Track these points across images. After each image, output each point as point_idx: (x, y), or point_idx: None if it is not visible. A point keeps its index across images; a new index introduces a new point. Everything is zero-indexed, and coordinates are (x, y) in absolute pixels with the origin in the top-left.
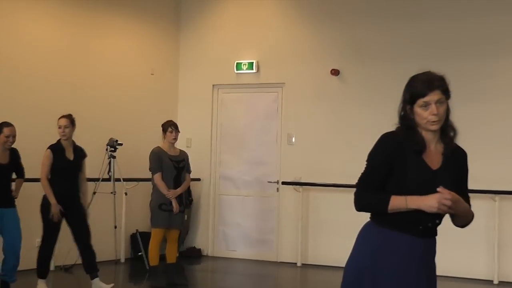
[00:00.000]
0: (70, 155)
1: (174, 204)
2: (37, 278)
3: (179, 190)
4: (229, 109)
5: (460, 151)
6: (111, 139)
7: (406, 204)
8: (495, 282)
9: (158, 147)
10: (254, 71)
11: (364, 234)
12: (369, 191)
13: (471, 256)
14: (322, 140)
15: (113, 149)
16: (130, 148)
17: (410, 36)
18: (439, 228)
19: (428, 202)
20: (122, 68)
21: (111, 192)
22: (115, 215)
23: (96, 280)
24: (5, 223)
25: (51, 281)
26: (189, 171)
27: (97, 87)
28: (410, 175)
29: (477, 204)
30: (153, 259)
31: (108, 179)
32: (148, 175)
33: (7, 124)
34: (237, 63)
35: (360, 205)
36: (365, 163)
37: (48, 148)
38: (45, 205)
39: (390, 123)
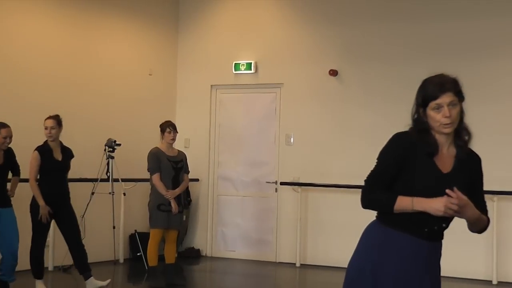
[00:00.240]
0: (58, 156)
1: (173, 204)
2: (34, 279)
3: (178, 191)
4: (228, 110)
5: (474, 155)
6: (109, 140)
7: (412, 205)
8: (494, 282)
9: (156, 147)
10: (252, 71)
11: (368, 233)
12: (377, 189)
13: (470, 256)
14: (320, 140)
15: (111, 149)
16: (129, 148)
17: (409, 38)
18: None
19: (434, 205)
20: (121, 68)
21: (110, 193)
22: (114, 215)
23: (91, 279)
24: (2, 223)
25: (50, 281)
26: (187, 172)
27: (95, 87)
28: (419, 177)
29: None
30: (152, 259)
31: (107, 180)
32: (147, 175)
33: (3, 125)
34: (235, 63)
35: (366, 202)
36: (376, 161)
37: (35, 149)
38: (34, 206)
39: (388, 123)
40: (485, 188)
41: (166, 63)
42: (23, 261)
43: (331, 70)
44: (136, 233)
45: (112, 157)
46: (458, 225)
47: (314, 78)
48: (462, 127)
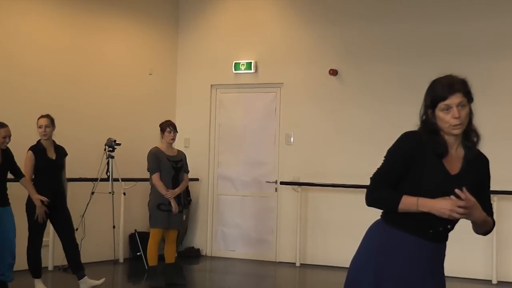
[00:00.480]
0: (52, 155)
1: (173, 204)
2: (32, 278)
3: (178, 190)
4: (228, 109)
5: (482, 157)
6: (109, 139)
7: (417, 205)
8: (494, 282)
9: (156, 147)
10: (252, 71)
11: (371, 232)
12: (382, 188)
13: (470, 256)
14: (320, 140)
15: (111, 149)
16: (129, 148)
17: (409, 38)
18: None
19: (439, 206)
20: (121, 68)
21: (110, 192)
22: (114, 215)
23: (85, 278)
24: (2, 222)
25: (50, 281)
26: (187, 171)
27: (95, 87)
28: (426, 178)
29: None
30: (151, 259)
31: (107, 179)
32: (147, 175)
33: (2, 125)
34: (235, 63)
35: (370, 200)
36: (383, 159)
37: (29, 149)
38: (29, 206)
39: (388, 123)
40: None
41: (166, 62)
42: (22, 261)
43: (331, 70)
44: (136, 233)
45: (112, 157)
46: (458, 225)
47: (314, 78)
48: (470, 129)
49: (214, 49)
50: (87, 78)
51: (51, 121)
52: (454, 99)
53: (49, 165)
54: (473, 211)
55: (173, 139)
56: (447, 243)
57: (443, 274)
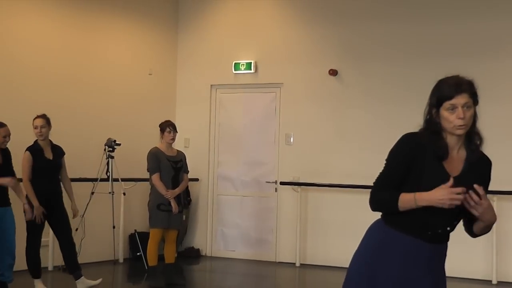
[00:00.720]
0: (49, 155)
1: (173, 204)
2: (32, 279)
3: (178, 190)
4: (227, 109)
5: (485, 159)
6: (109, 139)
7: (415, 201)
8: (494, 282)
9: (156, 147)
10: (252, 71)
11: (371, 232)
12: (384, 190)
13: (469, 256)
14: (320, 140)
15: (111, 149)
16: (128, 148)
17: (409, 38)
18: None
19: (437, 197)
20: (121, 68)
21: (109, 192)
22: (114, 215)
23: (82, 278)
24: (2, 222)
25: (49, 281)
26: (186, 171)
27: (95, 87)
28: (425, 180)
29: None
30: (151, 259)
31: (106, 179)
32: (146, 175)
33: (1, 125)
34: (235, 63)
35: (373, 203)
36: (384, 162)
37: (26, 150)
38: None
39: (388, 123)
40: None
41: (166, 63)
42: (22, 261)
43: (331, 70)
44: (136, 233)
45: (112, 157)
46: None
47: (314, 78)
48: (474, 131)
49: (214, 49)
50: (87, 78)
51: (47, 121)
52: (460, 99)
53: (46, 165)
54: (488, 211)
55: (173, 139)
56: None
57: (444, 274)
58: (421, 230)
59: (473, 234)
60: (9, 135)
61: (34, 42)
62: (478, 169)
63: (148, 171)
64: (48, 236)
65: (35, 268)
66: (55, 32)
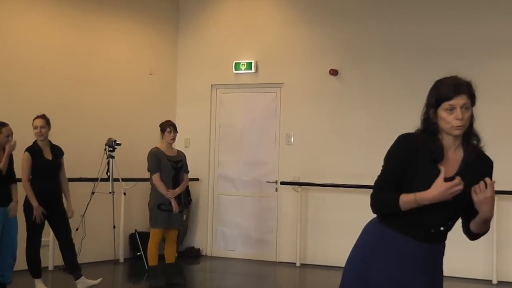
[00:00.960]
0: (48, 155)
1: (174, 204)
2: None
3: (178, 190)
4: (228, 109)
5: (485, 159)
6: (109, 139)
7: (415, 201)
8: (494, 282)
9: (156, 147)
10: (252, 71)
11: (365, 232)
12: (383, 192)
13: (470, 256)
14: (320, 140)
15: (111, 149)
16: (129, 148)
17: (409, 39)
18: None
19: (438, 194)
20: (121, 68)
21: (110, 192)
22: (114, 215)
23: (82, 278)
24: (8, 221)
25: (50, 281)
26: (187, 171)
27: (96, 87)
28: (418, 181)
29: None
30: (152, 259)
31: (107, 179)
32: (147, 175)
33: (3, 124)
34: (235, 63)
35: (374, 206)
36: (382, 164)
37: (26, 150)
38: (27, 207)
39: (388, 123)
40: None
41: (166, 62)
42: (22, 261)
43: (331, 69)
44: (136, 233)
45: (113, 157)
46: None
47: (314, 78)
48: (471, 132)
49: (214, 49)
50: (87, 78)
51: (47, 121)
52: (459, 100)
53: (46, 165)
54: (488, 202)
55: (173, 139)
56: (447, 243)
57: (441, 275)
58: (414, 230)
59: (471, 235)
60: (11, 134)
61: (34, 42)
62: (477, 168)
63: (148, 171)
64: (49, 236)
65: (35, 268)
66: (55, 32)
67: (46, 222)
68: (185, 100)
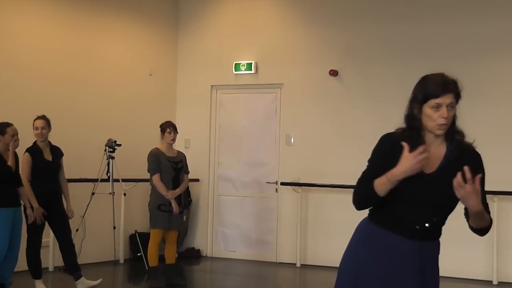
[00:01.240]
0: (48, 156)
1: (174, 205)
2: (33, 279)
3: (178, 191)
4: (228, 110)
5: (471, 152)
6: (109, 140)
7: (389, 181)
8: (495, 282)
9: (156, 148)
10: (252, 72)
11: (357, 231)
12: (368, 184)
13: (470, 257)
14: (320, 140)
15: (111, 149)
16: (129, 148)
17: (409, 39)
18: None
19: (407, 167)
20: (121, 69)
21: (110, 193)
22: (114, 215)
23: (82, 279)
24: (14, 222)
25: (50, 281)
26: (187, 172)
27: (96, 88)
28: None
29: None
30: (152, 259)
31: (107, 180)
32: (147, 175)
33: (8, 124)
34: (235, 64)
35: (355, 201)
36: (366, 163)
37: (26, 151)
38: (29, 208)
39: (388, 124)
40: (485, 188)
41: (166, 63)
42: (22, 262)
43: (331, 70)
44: (137, 234)
45: (113, 158)
46: (458, 225)
47: (314, 79)
48: (454, 129)
49: (214, 49)
50: (87, 79)
51: (47, 122)
52: (446, 99)
53: (46, 166)
54: (471, 196)
55: (173, 139)
56: (447, 243)
57: (437, 274)
58: (400, 227)
59: (474, 231)
60: (16, 134)
61: (34, 42)
62: (463, 163)
63: (148, 172)
64: (49, 236)
65: (35, 269)
66: (55, 33)
67: (46, 223)
68: (185, 101)
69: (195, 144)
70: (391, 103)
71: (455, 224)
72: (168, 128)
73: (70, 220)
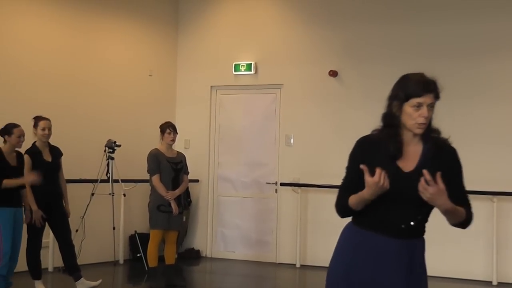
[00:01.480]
0: (47, 157)
1: (173, 205)
2: (33, 280)
3: (178, 192)
4: (227, 111)
5: (447, 148)
6: (109, 140)
7: (361, 200)
8: (494, 283)
9: (156, 148)
10: (252, 72)
11: (343, 235)
12: (345, 197)
13: (470, 257)
14: (320, 141)
15: (111, 150)
16: (129, 149)
17: (408, 39)
18: (438, 230)
19: (367, 190)
20: (121, 69)
21: (110, 194)
22: (114, 216)
23: (82, 280)
24: (15, 222)
25: (49, 282)
26: (187, 173)
27: (95, 88)
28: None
29: (475, 205)
30: (152, 260)
31: (107, 180)
32: (147, 176)
33: (15, 125)
34: (235, 64)
35: (338, 211)
36: (345, 169)
37: (25, 153)
38: (28, 209)
39: None
40: (485, 188)
41: (166, 63)
42: (22, 262)
43: (331, 71)
44: (136, 234)
45: (112, 158)
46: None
47: (314, 79)
48: (430, 128)
49: (214, 50)
50: (87, 79)
51: (51, 123)
52: (427, 99)
53: (46, 167)
54: (437, 197)
55: (173, 140)
56: (448, 244)
57: (423, 271)
58: (385, 227)
59: (455, 225)
60: (23, 135)
61: (33, 43)
62: (440, 159)
63: (148, 172)
64: (49, 237)
65: (35, 270)
66: (55, 33)
67: (46, 224)
68: (185, 101)
69: (195, 145)
70: None
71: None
72: (168, 128)
73: (69, 221)
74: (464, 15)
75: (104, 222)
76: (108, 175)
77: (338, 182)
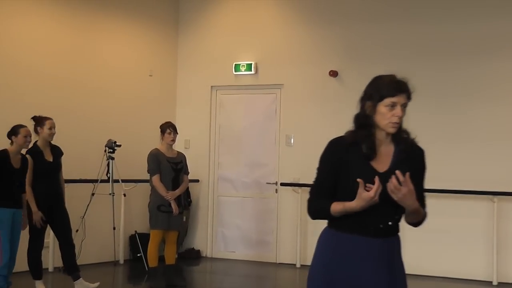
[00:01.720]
0: (49, 157)
1: (173, 205)
2: (33, 280)
3: (178, 192)
4: (228, 111)
5: (415, 149)
6: (109, 141)
7: (345, 210)
8: (494, 283)
9: (156, 149)
10: (252, 72)
11: (320, 239)
12: (319, 199)
13: (470, 257)
14: (320, 141)
15: (111, 150)
16: (129, 149)
17: (409, 39)
18: (438, 230)
19: (359, 202)
20: (121, 69)
21: (110, 194)
22: (114, 216)
23: (80, 280)
24: (15, 223)
25: (50, 282)
26: (187, 173)
27: (95, 88)
28: (353, 181)
29: (475, 205)
30: (152, 260)
31: (107, 181)
32: (147, 176)
33: (21, 125)
34: (235, 64)
35: (310, 213)
36: (316, 170)
37: (27, 153)
38: (29, 210)
39: None
40: (485, 188)
41: (166, 64)
42: (23, 263)
43: (331, 71)
44: (136, 234)
45: (112, 158)
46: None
47: (314, 79)
48: (401, 129)
49: (214, 50)
50: (87, 80)
51: None
52: (401, 99)
53: (47, 167)
54: (407, 197)
55: (173, 140)
56: (448, 244)
57: (401, 268)
58: (362, 228)
59: (410, 224)
60: (30, 135)
61: (33, 43)
62: (411, 161)
63: (148, 173)
64: (49, 237)
65: (36, 270)
66: (54, 33)
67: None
68: (185, 101)
69: (195, 145)
70: None
71: (455, 225)
72: (168, 128)
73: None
74: (465, 14)
75: (104, 222)
76: (108, 175)
77: None
